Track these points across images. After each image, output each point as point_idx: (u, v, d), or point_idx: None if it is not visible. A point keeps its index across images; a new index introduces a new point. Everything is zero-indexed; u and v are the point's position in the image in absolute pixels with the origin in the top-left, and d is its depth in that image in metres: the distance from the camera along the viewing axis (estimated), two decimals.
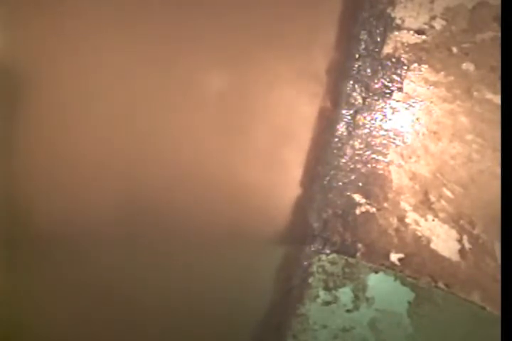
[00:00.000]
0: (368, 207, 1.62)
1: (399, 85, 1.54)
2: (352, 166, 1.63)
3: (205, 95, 1.38)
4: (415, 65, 1.51)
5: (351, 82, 1.58)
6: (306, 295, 1.71)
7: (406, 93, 1.53)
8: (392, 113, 1.56)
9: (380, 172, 1.60)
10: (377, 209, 1.61)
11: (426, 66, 1.49)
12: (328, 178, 1.64)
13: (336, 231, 1.67)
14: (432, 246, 1.53)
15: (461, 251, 1.49)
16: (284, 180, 1.62)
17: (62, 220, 1.26)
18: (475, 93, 1.43)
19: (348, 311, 1.67)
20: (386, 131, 1.58)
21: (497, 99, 1.40)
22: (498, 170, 1.40)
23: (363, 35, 1.55)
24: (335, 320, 1.68)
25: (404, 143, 1.55)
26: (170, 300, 1.49)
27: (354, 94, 1.59)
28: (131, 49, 1.22)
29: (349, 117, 1.60)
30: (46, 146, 1.19)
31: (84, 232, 1.29)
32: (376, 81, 1.56)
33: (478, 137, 1.44)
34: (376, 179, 1.60)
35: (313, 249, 1.69)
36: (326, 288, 1.69)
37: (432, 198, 1.52)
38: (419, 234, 1.55)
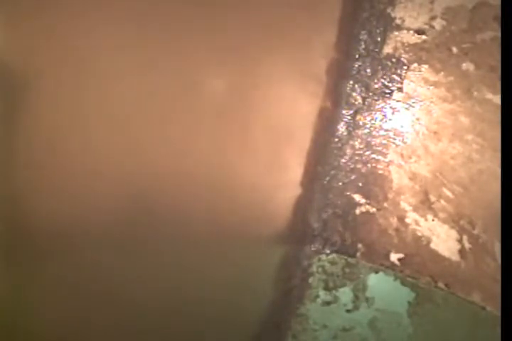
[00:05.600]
0: (368, 207, 1.62)
1: (399, 85, 1.54)
2: (352, 166, 1.63)
3: (205, 96, 1.38)
4: (415, 65, 1.51)
5: (351, 82, 1.58)
6: (306, 295, 1.71)
7: (406, 93, 1.53)
8: (392, 113, 1.56)
9: (380, 172, 1.60)
10: (377, 209, 1.61)
11: (426, 66, 1.49)
12: (328, 178, 1.64)
13: (336, 231, 1.67)
14: (432, 246, 1.53)
15: (461, 251, 1.49)
16: (284, 180, 1.62)
17: (62, 222, 1.26)
18: (475, 93, 1.43)
19: (348, 311, 1.67)
20: (386, 131, 1.58)
21: (497, 99, 1.40)
22: (498, 170, 1.40)
23: (363, 35, 1.55)
24: (335, 320, 1.68)
25: (404, 143, 1.55)
26: (169, 301, 1.49)
27: (354, 94, 1.58)
28: (131, 49, 1.22)
29: (349, 117, 1.60)
30: (46, 148, 1.19)
31: (84, 234, 1.29)
32: (376, 81, 1.56)
33: (478, 137, 1.44)
34: (376, 179, 1.60)
35: (313, 248, 1.69)
36: (326, 288, 1.69)
37: (432, 198, 1.52)
38: (419, 234, 1.55)
